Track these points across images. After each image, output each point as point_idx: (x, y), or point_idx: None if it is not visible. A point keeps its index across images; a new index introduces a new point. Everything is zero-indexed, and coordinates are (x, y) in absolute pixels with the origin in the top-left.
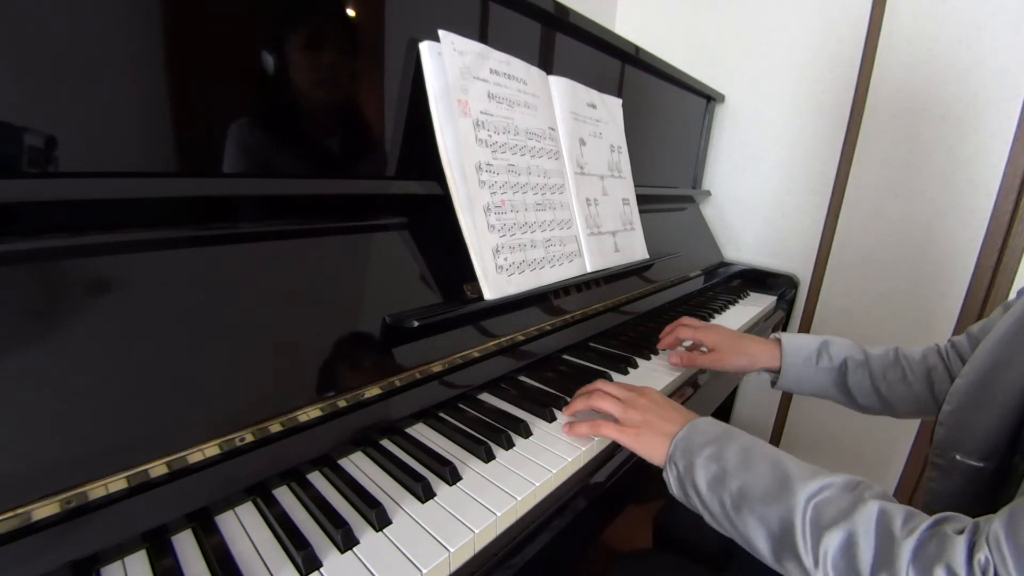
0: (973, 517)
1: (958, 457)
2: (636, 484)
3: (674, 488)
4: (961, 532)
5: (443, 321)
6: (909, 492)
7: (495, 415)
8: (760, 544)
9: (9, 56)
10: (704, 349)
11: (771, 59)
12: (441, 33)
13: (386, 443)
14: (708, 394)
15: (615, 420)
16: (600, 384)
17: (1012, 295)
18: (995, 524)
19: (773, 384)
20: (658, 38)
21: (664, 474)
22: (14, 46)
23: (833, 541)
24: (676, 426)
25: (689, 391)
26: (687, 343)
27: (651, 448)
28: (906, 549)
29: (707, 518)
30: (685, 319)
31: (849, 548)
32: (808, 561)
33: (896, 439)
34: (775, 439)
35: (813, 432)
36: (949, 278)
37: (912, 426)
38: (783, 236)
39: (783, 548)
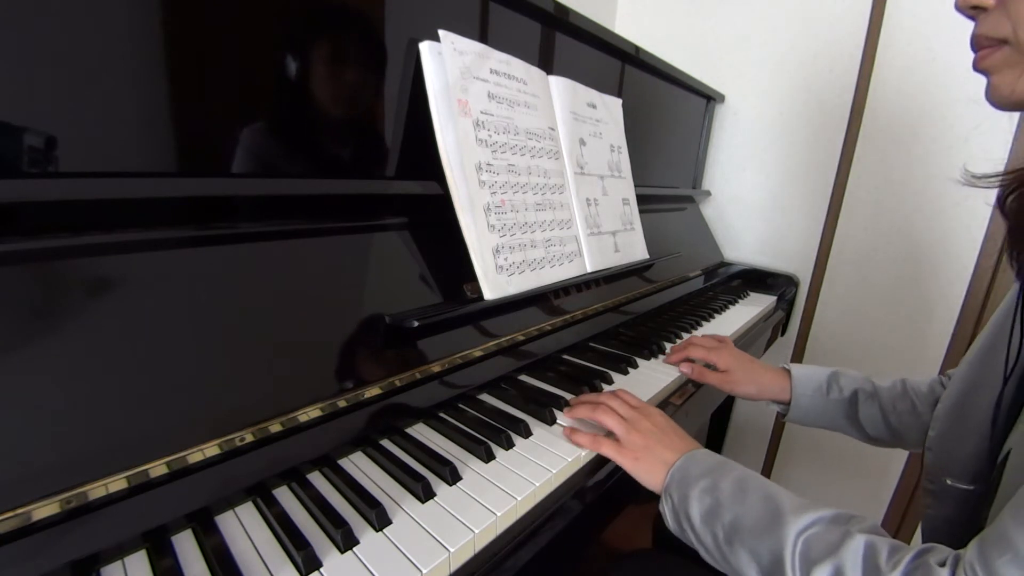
0: (969, 540)
1: (948, 482)
2: (636, 484)
3: (669, 521)
4: (943, 564)
5: (443, 321)
6: (907, 497)
7: (495, 415)
8: None
9: (9, 56)
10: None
11: (771, 59)
12: (441, 33)
13: (386, 443)
14: (709, 394)
15: (617, 436)
16: (606, 398)
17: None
18: (969, 553)
19: (783, 416)
20: (658, 38)
21: (660, 505)
22: (14, 46)
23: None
24: (675, 455)
25: (691, 390)
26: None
27: (648, 475)
28: None
29: (701, 552)
30: (696, 339)
31: None
32: None
33: None
34: (773, 442)
35: (811, 435)
36: (949, 278)
37: None
38: (783, 236)
39: None
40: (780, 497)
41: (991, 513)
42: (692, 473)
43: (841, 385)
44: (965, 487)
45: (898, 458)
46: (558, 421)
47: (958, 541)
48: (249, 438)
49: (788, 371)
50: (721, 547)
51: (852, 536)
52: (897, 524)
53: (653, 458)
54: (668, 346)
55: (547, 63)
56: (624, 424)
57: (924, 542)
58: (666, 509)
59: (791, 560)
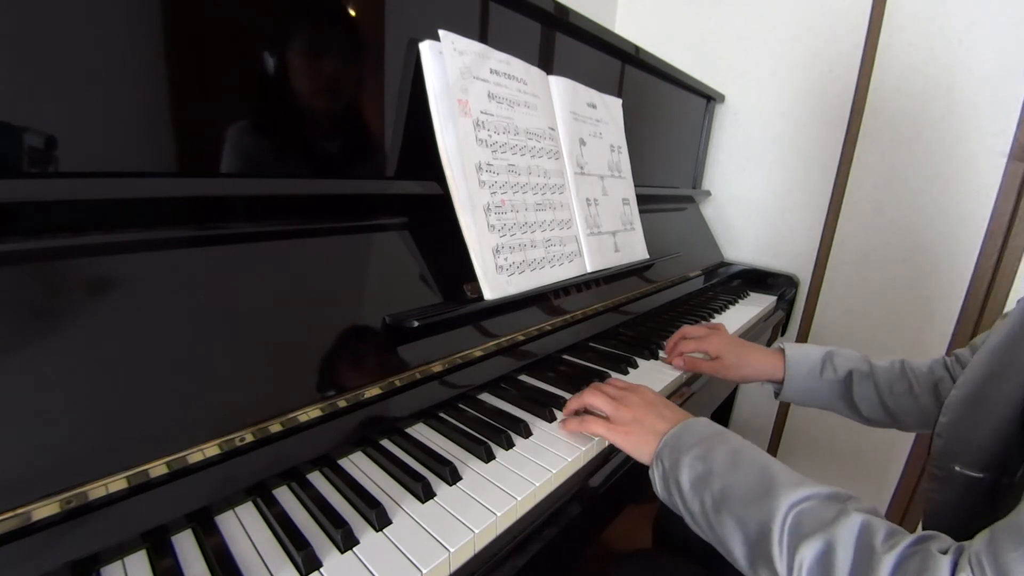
0: (973, 527)
1: (957, 468)
2: (636, 484)
3: (658, 486)
4: (945, 552)
5: (443, 321)
6: (908, 495)
7: (495, 415)
8: (736, 548)
9: (9, 56)
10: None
11: (771, 59)
12: (441, 33)
13: (386, 443)
14: (708, 394)
15: (607, 418)
16: (596, 384)
17: (1012, 297)
18: (977, 544)
19: (777, 395)
20: (658, 38)
21: (650, 472)
22: (15, 46)
23: (810, 551)
24: (668, 424)
25: (691, 390)
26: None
27: (640, 447)
28: (886, 564)
29: (688, 520)
30: (687, 329)
31: (826, 558)
32: (782, 569)
33: (895, 440)
34: (775, 440)
35: (813, 433)
36: (949, 278)
37: None
38: (783, 236)
39: (758, 555)
40: (775, 469)
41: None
42: (686, 440)
43: (836, 365)
44: (974, 475)
45: (899, 455)
46: (558, 420)
47: (960, 527)
48: (249, 438)
49: (783, 351)
50: (708, 514)
51: (848, 513)
52: (898, 522)
53: (644, 430)
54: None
55: (547, 63)
56: (612, 402)
57: (925, 527)
58: (656, 475)
59: (779, 532)
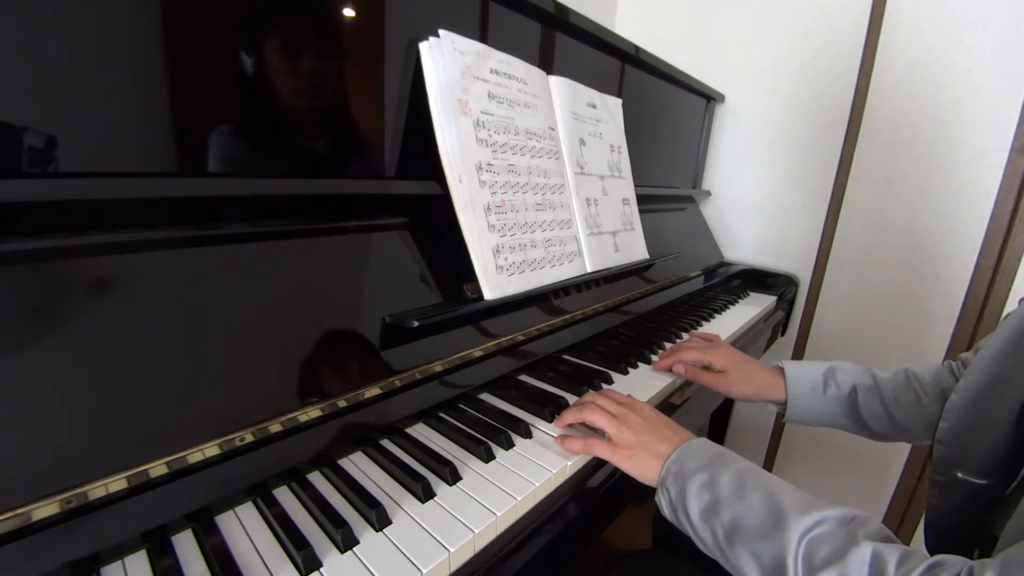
0: (976, 534)
1: (959, 475)
2: (635, 484)
3: (666, 512)
4: None
5: (443, 321)
6: (907, 496)
7: (495, 415)
8: None
9: (9, 56)
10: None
11: (771, 59)
12: (442, 32)
13: (386, 443)
14: (709, 393)
15: (608, 435)
16: (592, 397)
17: (1011, 297)
18: (988, 573)
19: (781, 416)
20: (658, 38)
21: (656, 497)
22: (14, 46)
23: None
24: (670, 446)
25: (689, 391)
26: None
27: (644, 470)
28: None
29: (700, 546)
30: (685, 344)
31: None
32: None
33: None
34: (774, 440)
35: (812, 433)
36: (949, 278)
37: None
38: (783, 236)
39: None
40: (781, 495)
41: (1014, 519)
42: (689, 466)
43: (838, 381)
44: (977, 481)
45: (899, 457)
46: (549, 433)
47: (963, 534)
48: (249, 438)
49: (783, 369)
50: (721, 545)
51: (858, 542)
52: (898, 523)
53: (647, 453)
54: (668, 346)
55: (547, 63)
56: (615, 422)
57: (927, 532)
58: (662, 502)
59: (794, 565)
